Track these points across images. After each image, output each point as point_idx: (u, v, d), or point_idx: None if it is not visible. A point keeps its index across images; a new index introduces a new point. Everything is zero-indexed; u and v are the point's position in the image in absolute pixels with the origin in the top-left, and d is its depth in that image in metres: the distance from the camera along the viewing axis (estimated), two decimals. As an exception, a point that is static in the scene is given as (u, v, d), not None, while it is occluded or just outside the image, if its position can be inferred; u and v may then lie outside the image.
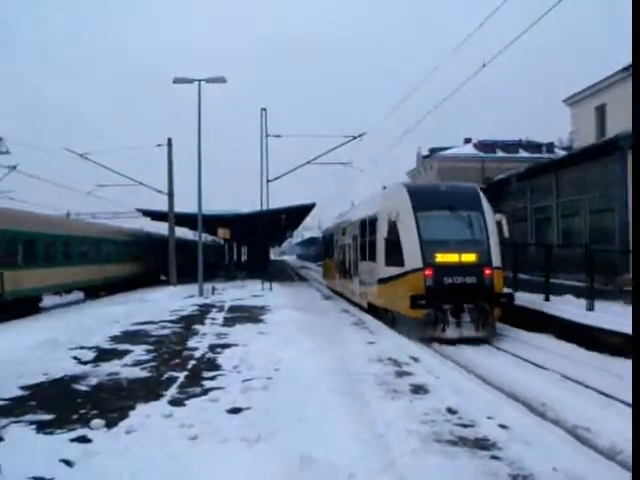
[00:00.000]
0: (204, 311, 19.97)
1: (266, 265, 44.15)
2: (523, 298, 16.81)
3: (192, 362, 10.77)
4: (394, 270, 15.86)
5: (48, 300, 26.45)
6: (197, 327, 15.68)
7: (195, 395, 8.26)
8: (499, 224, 16.13)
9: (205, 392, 8.40)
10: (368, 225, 19.03)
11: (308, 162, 32.63)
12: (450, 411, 7.45)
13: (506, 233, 16.50)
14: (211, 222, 34.33)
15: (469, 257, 14.94)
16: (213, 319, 17.45)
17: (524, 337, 14.81)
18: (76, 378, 9.51)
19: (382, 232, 16.56)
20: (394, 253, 15.85)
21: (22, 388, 8.85)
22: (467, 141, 60.30)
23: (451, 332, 14.35)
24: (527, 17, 14.13)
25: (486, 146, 57.52)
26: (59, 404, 7.86)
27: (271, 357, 10.59)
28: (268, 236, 51.29)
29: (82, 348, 12.32)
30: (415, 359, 11.18)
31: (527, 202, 23.51)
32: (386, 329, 15.55)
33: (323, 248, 38.34)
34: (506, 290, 16.22)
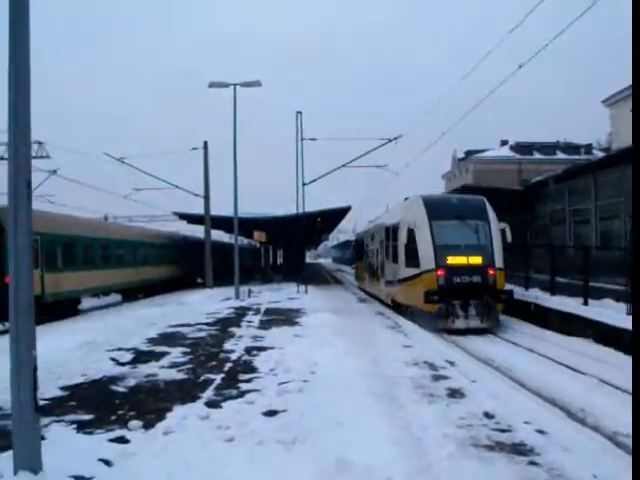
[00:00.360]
0: (240, 314, 20.09)
1: (302, 268, 44.20)
2: (562, 302, 16.76)
3: (228, 364, 10.83)
4: (412, 271, 18.17)
5: (86, 302, 26.87)
6: (233, 330, 15.78)
7: (231, 397, 8.30)
8: (503, 231, 18.29)
9: (241, 394, 8.44)
10: (392, 232, 21.12)
11: (344, 165, 32.72)
12: (487, 415, 7.37)
13: (509, 239, 18.46)
14: (247, 225, 34.49)
15: (475, 260, 17.16)
16: (249, 322, 17.55)
17: (560, 340, 14.65)
18: (114, 379, 9.66)
19: (403, 238, 18.89)
20: (412, 256, 18.14)
21: (62, 388, 9.02)
22: (504, 143, 59.82)
23: (459, 323, 16.59)
24: (563, 17, 13.97)
25: (523, 148, 56.97)
26: (98, 404, 7.99)
27: (307, 360, 10.62)
28: (304, 239, 51.42)
29: (120, 350, 12.50)
30: (451, 363, 11.13)
31: (565, 204, 23.18)
32: (421, 332, 15.61)
33: (355, 252, 39.90)
34: (508, 287, 18.39)
